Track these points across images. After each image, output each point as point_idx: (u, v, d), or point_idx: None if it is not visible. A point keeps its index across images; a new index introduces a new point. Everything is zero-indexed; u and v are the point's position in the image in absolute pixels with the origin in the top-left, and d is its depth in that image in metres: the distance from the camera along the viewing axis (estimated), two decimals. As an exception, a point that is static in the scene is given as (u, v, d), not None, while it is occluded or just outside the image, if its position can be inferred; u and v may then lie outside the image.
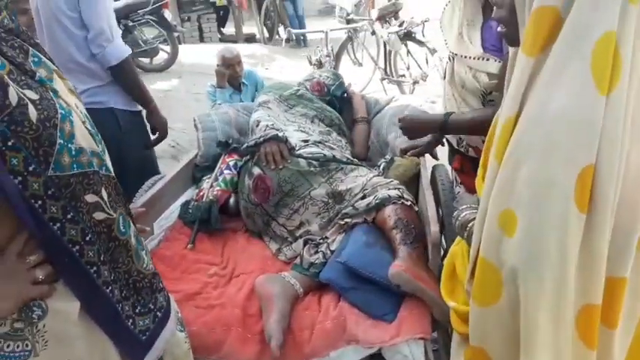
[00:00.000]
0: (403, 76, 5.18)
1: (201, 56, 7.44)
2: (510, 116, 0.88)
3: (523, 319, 0.86)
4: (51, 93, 0.86)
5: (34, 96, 0.81)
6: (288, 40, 5.05)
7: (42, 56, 0.91)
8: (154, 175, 2.35)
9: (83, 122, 0.93)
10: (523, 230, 0.84)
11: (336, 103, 2.62)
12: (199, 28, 9.20)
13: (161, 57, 6.92)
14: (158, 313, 1.06)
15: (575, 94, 0.78)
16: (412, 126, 1.86)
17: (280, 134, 2.04)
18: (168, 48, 6.85)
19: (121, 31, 2.14)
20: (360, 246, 1.69)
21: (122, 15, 6.28)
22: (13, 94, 0.77)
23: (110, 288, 0.93)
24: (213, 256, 1.99)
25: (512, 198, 0.85)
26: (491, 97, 1.60)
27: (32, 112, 0.79)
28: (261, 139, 2.03)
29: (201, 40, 9.21)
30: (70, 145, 0.85)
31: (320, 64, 3.52)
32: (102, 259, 0.91)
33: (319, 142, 2.12)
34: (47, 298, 0.86)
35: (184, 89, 6.26)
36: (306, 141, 2.11)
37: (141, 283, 1.02)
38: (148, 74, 6.70)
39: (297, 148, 2.05)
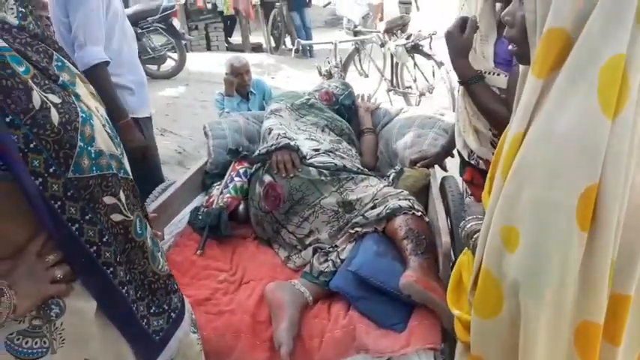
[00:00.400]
0: (409, 87, 5.20)
1: (208, 64, 7.51)
2: (517, 134, 0.89)
3: (523, 332, 0.87)
4: (73, 97, 0.88)
5: (57, 100, 0.83)
6: (297, 51, 5.08)
7: (65, 61, 0.93)
8: (157, 181, 2.36)
9: (103, 126, 0.95)
10: (525, 247, 0.85)
11: (345, 113, 2.64)
12: (207, 37, 9.27)
13: (169, 64, 6.98)
14: (172, 314, 1.08)
15: (581, 117, 0.79)
16: (452, 44, 1.59)
17: (292, 143, 2.06)
18: (175, 56, 6.90)
19: (103, 39, 2.06)
20: (371, 255, 1.69)
21: (131, 22, 6.31)
22: (36, 97, 0.78)
23: (126, 288, 0.95)
24: (223, 263, 2.00)
25: (515, 215, 0.86)
26: None
27: (54, 116, 0.81)
28: (273, 147, 2.05)
29: (209, 48, 9.29)
30: (89, 148, 0.87)
31: (330, 75, 3.56)
32: (118, 259, 0.93)
33: (330, 152, 2.14)
34: (65, 297, 0.88)
35: (191, 96, 6.31)
36: (317, 150, 2.13)
37: (156, 284, 1.04)
38: (155, 81, 6.76)
39: (308, 157, 2.06)
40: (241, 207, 2.21)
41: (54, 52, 0.92)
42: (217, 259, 2.01)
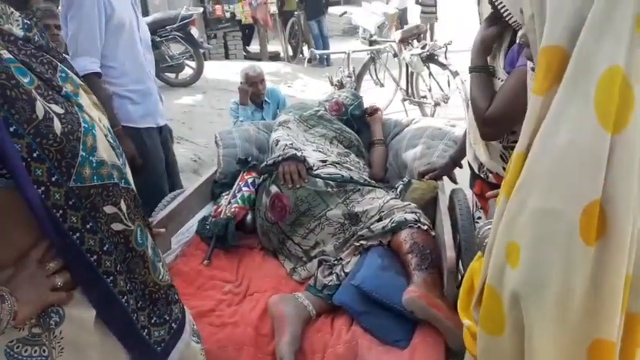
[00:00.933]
0: (425, 97, 5.18)
1: (225, 73, 7.59)
2: (519, 153, 0.89)
3: (527, 349, 0.85)
4: (76, 107, 0.89)
5: (60, 110, 0.84)
6: (310, 60, 5.12)
7: (69, 72, 0.95)
8: (157, 192, 2.37)
9: (105, 135, 0.95)
10: (526, 260, 0.84)
11: (354, 124, 2.62)
12: (225, 46, 9.38)
13: (187, 72, 7.07)
14: (173, 325, 1.07)
15: (580, 131, 0.78)
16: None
17: (298, 154, 2.06)
18: (193, 64, 6.99)
19: (97, 50, 2.09)
20: (375, 269, 1.67)
21: (150, 31, 6.44)
22: (39, 108, 0.80)
23: (126, 298, 0.95)
24: (229, 273, 2.00)
25: (517, 230, 0.85)
26: None
27: (57, 126, 0.81)
28: (280, 157, 2.05)
29: (227, 57, 9.39)
30: (91, 158, 0.87)
31: (341, 85, 3.55)
32: (118, 269, 0.93)
33: (337, 163, 2.13)
34: (65, 305, 0.88)
35: (208, 104, 6.38)
36: (324, 161, 2.12)
37: (157, 294, 1.03)
38: (173, 89, 6.85)
39: (314, 168, 2.05)
40: (249, 217, 2.21)
41: (58, 63, 0.93)
42: (223, 270, 2.01)
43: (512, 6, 1.43)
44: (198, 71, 7.00)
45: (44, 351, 0.86)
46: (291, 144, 2.16)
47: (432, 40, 5.15)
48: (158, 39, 6.54)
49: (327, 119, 2.49)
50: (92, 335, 0.91)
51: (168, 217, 2.04)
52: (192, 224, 2.23)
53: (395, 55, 4.94)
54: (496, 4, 1.46)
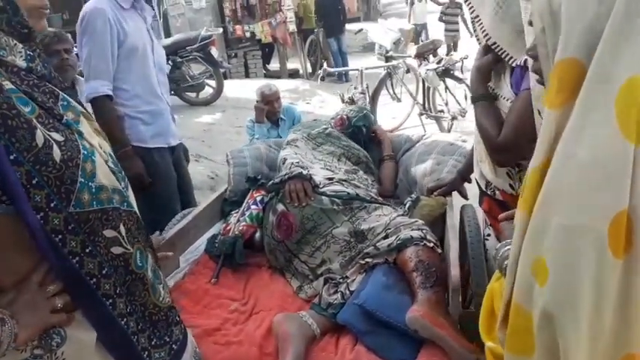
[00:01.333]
0: (442, 111, 5.15)
1: (245, 91, 7.69)
2: (536, 167, 0.87)
3: None
4: (76, 135, 0.91)
5: (60, 138, 0.86)
6: (323, 78, 5.17)
7: (71, 100, 0.98)
8: (174, 210, 2.40)
9: (106, 161, 0.97)
10: (555, 277, 0.82)
11: (360, 137, 2.60)
12: (245, 64, 9.54)
13: (207, 91, 7.21)
14: (174, 346, 1.07)
15: (601, 143, 0.76)
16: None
17: (304, 172, 2.06)
18: (213, 83, 7.11)
19: (109, 73, 2.18)
20: (379, 288, 1.65)
21: (171, 51, 6.62)
22: (39, 136, 0.82)
23: (126, 320, 0.96)
24: (236, 292, 1.99)
25: (543, 246, 0.84)
26: None
27: (56, 153, 0.84)
28: (286, 176, 2.06)
29: (247, 75, 9.53)
30: (90, 184, 0.89)
31: (352, 102, 3.55)
32: (118, 291, 0.94)
33: (344, 181, 2.12)
34: (66, 326, 0.89)
35: (227, 122, 6.47)
36: (330, 179, 2.12)
37: (157, 315, 1.04)
38: (193, 108, 6.98)
39: (321, 186, 2.05)
40: (257, 235, 2.21)
41: (60, 92, 0.96)
42: (231, 288, 2.01)
43: (500, 38, 1.43)
44: (218, 90, 7.12)
45: None
46: (298, 162, 2.16)
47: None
48: (179, 59, 6.70)
49: (335, 136, 2.49)
50: (94, 357, 0.92)
51: (176, 236, 2.06)
52: (202, 243, 2.24)
53: (408, 71, 4.94)
54: (484, 38, 1.47)
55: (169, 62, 6.69)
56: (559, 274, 0.81)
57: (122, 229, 0.95)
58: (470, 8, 1.51)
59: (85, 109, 1.03)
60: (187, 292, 1.94)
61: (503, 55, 1.45)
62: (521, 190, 0.96)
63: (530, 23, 0.92)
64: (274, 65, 10.03)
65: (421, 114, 5.32)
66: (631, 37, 0.74)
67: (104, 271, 0.91)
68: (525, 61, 1.40)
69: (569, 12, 0.80)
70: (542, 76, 0.96)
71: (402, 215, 1.97)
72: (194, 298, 1.93)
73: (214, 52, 6.87)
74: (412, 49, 5.33)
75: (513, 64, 1.45)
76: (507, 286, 0.96)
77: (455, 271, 1.56)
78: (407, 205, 2.07)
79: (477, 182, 1.88)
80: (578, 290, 0.79)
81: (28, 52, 0.91)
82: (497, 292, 1.21)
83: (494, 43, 1.45)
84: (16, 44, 0.89)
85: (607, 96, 0.75)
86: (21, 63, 0.89)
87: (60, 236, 0.85)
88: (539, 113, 1.34)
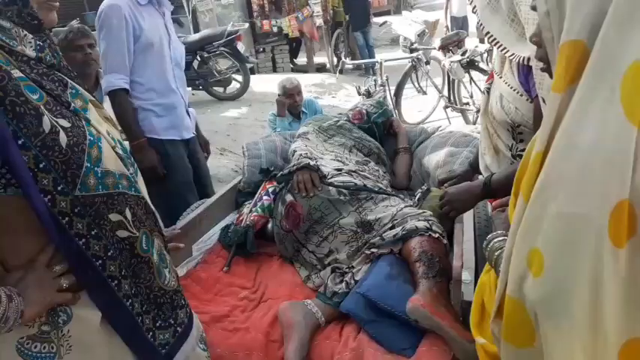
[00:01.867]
0: (467, 104, 5.06)
1: (271, 85, 7.70)
2: (538, 153, 0.85)
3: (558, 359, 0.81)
4: (83, 121, 0.95)
5: (66, 124, 0.90)
6: (341, 71, 5.19)
7: (79, 88, 1.02)
8: (188, 201, 2.45)
9: (113, 147, 1.01)
10: (550, 268, 0.79)
11: (376, 131, 2.61)
12: (273, 59, 9.60)
13: (234, 86, 7.28)
14: (178, 329, 1.11)
15: (605, 127, 0.73)
16: (457, 199, 1.75)
17: (312, 163, 2.07)
18: (240, 78, 7.18)
19: (126, 67, 2.25)
20: (382, 278, 1.65)
21: (198, 47, 6.72)
22: (46, 122, 0.86)
23: (130, 301, 1.00)
24: (246, 280, 2.03)
25: (540, 236, 0.81)
26: (519, 130, 1.53)
27: (63, 138, 0.88)
28: (294, 167, 2.08)
29: (275, 70, 9.60)
30: (96, 169, 0.93)
31: (368, 94, 3.54)
32: (123, 273, 0.98)
33: (353, 172, 2.13)
34: (72, 305, 0.94)
35: (253, 117, 6.53)
36: (339, 170, 2.12)
37: (162, 298, 1.08)
38: (220, 102, 7.07)
39: (328, 177, 2.06)
40: (269, 225, 2.24)
41: (69, 81, 1.01)
42: (242, 276, 2.05)
43: (493, 29, 1.41)
44: (245, 85, 7.19)
45: (52, 348, 0.92)
46: (306, 154, 2.18)
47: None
48: (206, 55, 6.79)
49: (347, 128, 2.50)
50: (99, 335, 0.97)
51: (189, 225, 2.11)
52: (214, 233, 2.29)
53: (427, 63, 4.87)
54: (480, 28, 1.45)
55: (197, 58, 6.79)
56: (554, 266, 0.79)
57: (128, 213, 0.99)
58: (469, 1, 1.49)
59: (94, 97, 1.07)
60: (199, 280, 1.99)
61: (498, 47, 1.42)
62: (522, 174, 0.93)
63: (534, 8, 0.90)
64: (302, 59, 10.05)
65: (446, 107, 5.25)
66: (637, 19, 0.71)
67: (109, 253, 0.95)
68: (527, 59, 1.36)
69: None
70: (545, 62, 0.93)
71: (411, 206, 1.96)
72: (205, 286, 1.97)
73: (241, 47, 6.94)
74: (436, 40, 5.25)
75: (511, 59, 1.42)
76: (502, 276, 0.93)
77: (457, 262, 1.54)
78: (417, 197, 2.06)
79: (482, 175, 1.86)
80: (575, 283, 0.76)
81: (38, 43, 0.95)
82: (486, 286, 1.19)
83: (488, 33, 1.42)
84: (26, 35, 0.93)
85: (612, 78, 0.73)
86: (30, 53, 0.93)
87: (66, 218, 0.89)
88: (544, 101, 1.32)
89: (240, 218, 2.26)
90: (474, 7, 1.47)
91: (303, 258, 2.05)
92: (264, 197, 2.28)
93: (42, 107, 0.87)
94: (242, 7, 9.30)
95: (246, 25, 7.75)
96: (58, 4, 1.03)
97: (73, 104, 0.96)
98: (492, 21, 1.41)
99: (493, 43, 1.43)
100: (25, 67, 0.91)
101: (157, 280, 1.07)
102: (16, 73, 0.87)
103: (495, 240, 1.14)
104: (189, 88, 6.72)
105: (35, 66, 0.94)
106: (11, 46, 0.90)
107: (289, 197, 2.07)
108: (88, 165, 0.92)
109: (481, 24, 1.44)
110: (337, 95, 7.58)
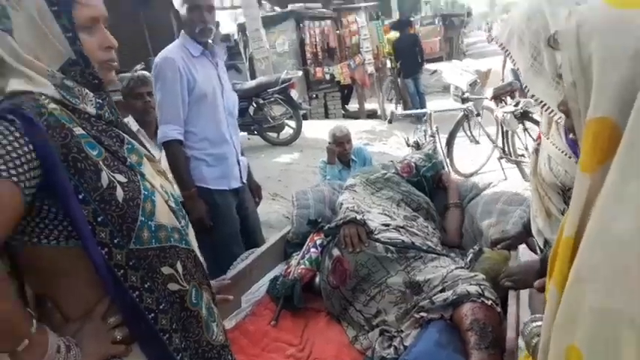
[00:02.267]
0: (522, 156, 4.93)
1: (323, 131, 7.82)
2: (567, 238, 0.80)
3: None
4: (138, 176, 1.00)
5: (123, 179, 0.95)
6: (390, 121, 5.22)
7: (135, 143, 1.07)
8: (234, 252, 2.44)
9: (166, 201, 1.05)
10: None
11: (426, 185, 2.57)
12: (325, 105, 9.79)
13: (287, 132, 7.45)
14: None
15: None
16: (518, 278, 1.72)
17: (359, 217, 2.06)
18: (293, 124, 7.36)
19: (179, 118, 2.30)
20: (432, 345, 1.59)
21: (253, 93, 6.98)
22: (104, 177, 0.92)
23: (181, 355, 1.01)
24: (294, 336, 2.02)
25: (577, 332, 0.76)
26: (570, 194, 1.48)
27: (119, 193, 0.93)
28: (341, 220, 2.07)
29: (327, 116, 9.76)
30: (150, 222, 0.97)
31: (417, 146, 3.52)
32: (174, 327, 1.00)
33: (401, 227, 2.10)
34: (124, 357, 0.97)
35: (304, 163, 6.62)
36: (387, 225, 2.10)
37: (209, 353, 1.09)
38: (273, 148, 7.24)
39: (375, 232, 2.04)
40: (317, 279, 2.23)
41: (125, 136, 1.06)
42: (289, 332, 2.04)
43: (538, 91, 1.38)
44: (297, 131, 7.34)
45: None
46: (353, 207, 2.17)
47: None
48: (261, 101, 7.02)
49: (395, 182, 2.48)
50: None
51: (239, 276, 2.13)
52: (264, 283, 2.30)
53: (478, 114, 4.82)
54: (525, 90, 1.43)
55: (253, 104, 7.04)
56: None
57: (179, 266, 1.02)
58: (512, 61, 1.48)
59: (148, 151, 1.12)
60: (247, 333, 2.00)
61: (545, 109, 1.39)
62: (550, 259, 0.89)
63: (560, 76, 0.87)
64: (353, 106, 10.20)
65: (500, 158, 5.13)
66: None
67: (162, 307, 0.98)
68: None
69: (601, 65, 0.74)
70: (575, 134, 0.90)
71: (462, 268, 1.90)
72: (253, 340, 1.97)
73: (294, 94, 7.13)
74: (488, 90, 5.20)
75: (558, 121, 1.39)
76: None
77: (512, 333, 1.47)
78: (469, 258, 2.00)
79: (536, 240, 1.78)
80: None
81: (98, 100, 1.01)
82: None
83: (534, 96, 1.40)
84: (87, 93, 0.99)
85: None
86: (91, 110, 0.99)
87: (122, 271, 0.93)
88: None
89: (289, 270, 2.27)
90: (517, 68, 1.45)
91: (350, 317, 2.01)
92: (312, 250, 2.28)
93: (101, 163, 0.93)
94: (296, 55, 9.62)
95: (300, 72, 7.97)
96: (117, 64, 1.10)
97: (129, 159, 1.01)
98: (536, 83, 1.39)
99: (539, 105, 1.41)
100: (86, 124, 0.96)
101: (205, 335, 1.08)
102: (78, 131, 0.92)
103: (534, 325, 1.10)
104: (245, 133, 6.96)
105: (95, 123, 0.99)
106: (74, 104, 0.96)
107: (336, 252, 2.06)
108: (142, 219, 0.95)
109: (526, 86, 1.42)
110: (388, 142, 7.60)
